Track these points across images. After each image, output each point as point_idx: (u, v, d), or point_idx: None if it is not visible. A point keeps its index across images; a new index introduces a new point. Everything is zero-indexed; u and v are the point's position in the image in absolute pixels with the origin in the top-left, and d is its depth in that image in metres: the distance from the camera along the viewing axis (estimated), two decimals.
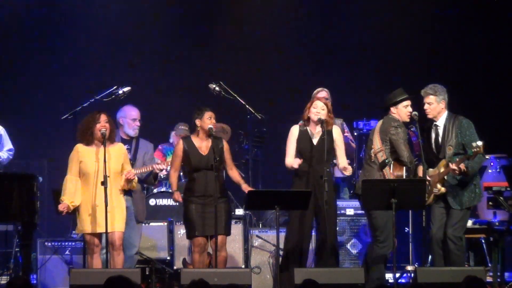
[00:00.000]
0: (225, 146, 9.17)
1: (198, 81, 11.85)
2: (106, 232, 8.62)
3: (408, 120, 9.11)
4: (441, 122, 9.07)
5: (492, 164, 10.69)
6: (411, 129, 9.21)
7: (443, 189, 8.96)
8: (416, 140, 9.15)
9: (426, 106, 9.07)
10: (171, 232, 10.31)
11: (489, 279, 9.53)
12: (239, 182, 9.17)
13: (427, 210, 9.08)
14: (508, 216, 9.96)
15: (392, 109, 9.11)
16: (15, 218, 8.96)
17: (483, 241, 10.48)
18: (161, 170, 9.61)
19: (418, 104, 9.14)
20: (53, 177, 10.80)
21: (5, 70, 12.40)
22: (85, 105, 9.87)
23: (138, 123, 9.59)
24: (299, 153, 9.11)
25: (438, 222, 9.01)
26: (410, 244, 10.42)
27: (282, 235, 9.17)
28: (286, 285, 8.96)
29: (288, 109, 10.92)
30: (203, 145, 9.07)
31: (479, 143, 8.76)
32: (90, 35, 12.65)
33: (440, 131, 9.07)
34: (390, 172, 8.97)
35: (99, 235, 8.78)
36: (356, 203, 10.36)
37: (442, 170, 8.94)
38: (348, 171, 9.03)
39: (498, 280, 9.69)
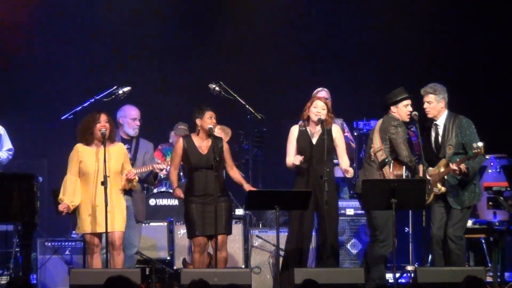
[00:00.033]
0: (225, 146, 9.17)
1: (198, 81, 11.83)
2: (106, 232, 8.62)
3: (408, 119, 9.10)
4: (441, 121, 9.06)
5: (492, 164, 10.67)
6: (411, 129, 9.21)
7: (443, 189, 8.96)
8: (416, 140, 9.15)
9: (426, 105, 9.07)
10: (171, 232, 10.31)
11: (489, 279, 9.53)
12: (240, 182, 9.17)
13: (427, 210, 9.08)
14: (508, 216, 9.95)
15: (392, 108, 9.11)
16: (15, 218, 8.94)
17: (483, 241, 10.47)
18: (161, 169, 9.60)
19: (418, 104, 9.14)
20: (53, 177, 10.77)
21: (5, 70, 12.38)
22: (85, 105, 9.88)
23: (138, 123, 9.59)
24: (299, 153, 9.10)
25: (438, 222, 9.01)
26: (410, 244, 10.40)
27: (282, 235, 9.17)
28: (286, 285, 8.96)
29: (288, 109, 10.91)
30: (203, 144, 9.07)
31: (480, 144, 8.75)
32: (90, 35, 12.64)
33: (440, 131, 9.06)
34: (390, 171, 8.97)
35: (99, 235, 8.77)
36: (356, 203, 10.36)
37: (442, 169, 8.93)
38: (350, 174, 9.04)
39: (498, 280, 9.68)
